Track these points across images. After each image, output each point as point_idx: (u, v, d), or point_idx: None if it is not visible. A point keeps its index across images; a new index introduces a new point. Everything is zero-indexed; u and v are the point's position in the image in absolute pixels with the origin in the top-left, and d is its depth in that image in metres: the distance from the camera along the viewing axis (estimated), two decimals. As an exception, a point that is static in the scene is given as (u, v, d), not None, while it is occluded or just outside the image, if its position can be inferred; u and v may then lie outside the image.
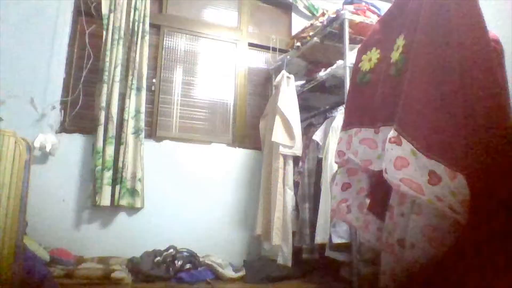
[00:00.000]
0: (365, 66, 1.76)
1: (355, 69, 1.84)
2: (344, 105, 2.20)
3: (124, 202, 2.64)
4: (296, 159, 2.79)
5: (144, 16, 2.97)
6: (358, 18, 2.64)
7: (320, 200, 2.45)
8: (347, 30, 2.55)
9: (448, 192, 1.24)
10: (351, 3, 2.85)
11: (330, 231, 2.29)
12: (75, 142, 2.73)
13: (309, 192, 2.65)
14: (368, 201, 1.68)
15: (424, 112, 1.33)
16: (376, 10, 2.81)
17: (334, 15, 2.71)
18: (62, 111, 2.77)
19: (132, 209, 2.72)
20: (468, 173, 1.25)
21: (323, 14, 2.90)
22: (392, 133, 1.36)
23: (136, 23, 2.92)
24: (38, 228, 2.43)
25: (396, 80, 1.52)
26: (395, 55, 1.58)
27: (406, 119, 1.35)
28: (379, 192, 1.63)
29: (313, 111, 3.07)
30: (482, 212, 1.23)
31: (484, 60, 1.37)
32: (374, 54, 1.75)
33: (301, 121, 2.85)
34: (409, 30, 1.53)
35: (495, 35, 1.58)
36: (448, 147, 1.28)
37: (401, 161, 1.29)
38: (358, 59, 1.85)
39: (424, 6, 1.50)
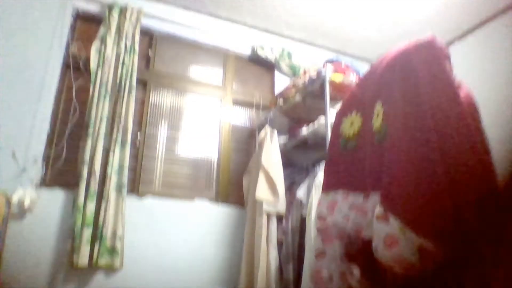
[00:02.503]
0: (348, 131, 1.74)
1: (336, 133, 1.81)
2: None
3: (102, 262, 2.54)
4: (280, 217, 2.78)
5: (132, 71, 3.02)
6: (338, 78, 2.73)
7: (304, 261, 2.40)
8: (328, 89, 2.64)
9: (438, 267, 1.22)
10: (331, 63, 2.98)
11: (314, 292, 2.24)
12: (55, 197, 2.66)
13: (293, 251, 2.61)
14: (354, 267, 1.58)
15: (407, 186, 1.30)
16: (355, 71, 2.93)
17: (316, 75, 2.81)
18: (44, 165, 2.73)
19: (111, 269, 2.62)
20: (455, 249, 1.23)
21: (304, 74, 3.01)
22: (378, 210, 1.34)
23: (123, 78, 2.97)
24: (12, 286, 2.33)
25: (380, 148, 1.51)
26: (376, 123, 1.59)
27: (391, 194, 1.33)
28: (369, 257, 1.53)
29: (296, 167, 3.10)
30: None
31: (459, 122, 1.37)
32: (355, 119, 1.73)
33: (285, 178, 2.86)
34: (387, 99, 1.55)
35: (468, 91, 1.58)
36: (434, 222, 1.24)
37: (390, 239, 1.26)
38: (338, 122, 1.82)
39: (396, 76, 1.53)
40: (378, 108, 1.59)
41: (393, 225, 1.26)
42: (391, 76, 1.56)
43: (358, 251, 1.61)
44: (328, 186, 1.73)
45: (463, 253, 1.25)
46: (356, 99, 1.81)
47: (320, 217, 1.70)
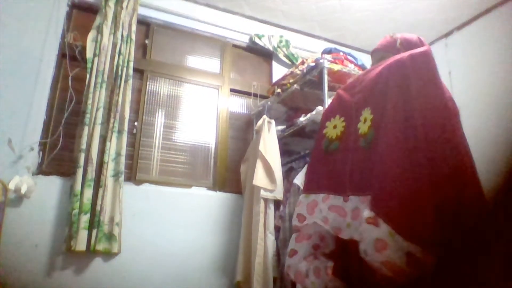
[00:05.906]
0: (331, 133, 1.78)
1: (320, 135, 1.85)
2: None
3: (100, 247, 2.53)
4: (277, 203, 2.78)
5: (128, 61, 3.01)
6: (336, 67, 2.74)
7: (302, 245, 2.41)
8: (326, 78, 2.64)
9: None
10: (329, 52, 2.98)
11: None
12: (52, 185, 2.65)
13: (290, 236, 2.60)
14: (328, 265, 1.61)
15: (398, 191, 1.32)
16: (353, 60, 2.93)
17: (314, 64, 2.81)
18: (41, 152, 2.73)
19: (109, 255, 2.62)
20: (443, 254, 1.24)
21: (302, 63, 3.00)
22: (367, 213, 1.35)
23: (120, 68, 2.95)
24: (10, 273, 2.32)
25: (365, 152, 1.54)
26: (363, 127, 1.61)
27: (382, 200, 1.34)
28: (343, 257, 1.59)
29: (293, 155, 3.11)
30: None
31: (445, 131, 1.41)
32: (338, 122, 1.77)
33: (282, 165, 2.87)
34: (377, 106, 1.57)
35: (450, 93, 1.61)
36: (424, 228, 1.26)
37: (381, 243, 1.28)
38: (323, 126, 1.86)
39: (389, 86, 1.55)
40: (366, 114, 1.62)
41: (383, 229, 1.28)
42: (385, 85, 1.58)
43: (333, 251, 1.64)
44: (310, 189, 1.76)
45: (456, 260, 1.26)
46: (341, 104, 1.84)
47: (299, 217, 1.72)
